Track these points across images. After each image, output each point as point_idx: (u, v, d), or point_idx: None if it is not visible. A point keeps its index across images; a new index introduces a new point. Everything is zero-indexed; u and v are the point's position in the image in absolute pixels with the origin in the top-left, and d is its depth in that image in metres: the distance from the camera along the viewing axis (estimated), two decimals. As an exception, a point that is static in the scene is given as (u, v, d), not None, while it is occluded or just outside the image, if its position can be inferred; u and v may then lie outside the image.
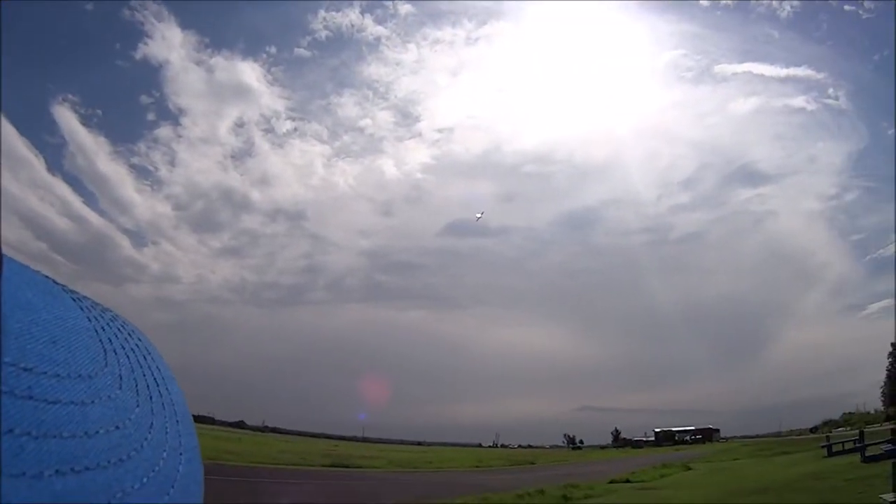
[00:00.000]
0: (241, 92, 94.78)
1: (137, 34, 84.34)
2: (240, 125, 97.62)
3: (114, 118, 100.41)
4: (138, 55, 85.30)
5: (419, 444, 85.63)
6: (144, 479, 0.39)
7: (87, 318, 0.49)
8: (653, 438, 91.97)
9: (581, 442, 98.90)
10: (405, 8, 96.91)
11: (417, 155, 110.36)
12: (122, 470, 0.38)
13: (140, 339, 0.55)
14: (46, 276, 0.51)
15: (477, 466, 43.72)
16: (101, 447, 0.37)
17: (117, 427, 0.40)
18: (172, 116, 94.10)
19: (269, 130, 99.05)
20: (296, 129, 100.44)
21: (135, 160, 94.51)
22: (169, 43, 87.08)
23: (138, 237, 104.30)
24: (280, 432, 78.15)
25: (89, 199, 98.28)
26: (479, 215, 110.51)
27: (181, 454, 0.46)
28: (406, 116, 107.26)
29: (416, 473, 34.92)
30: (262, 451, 40.57)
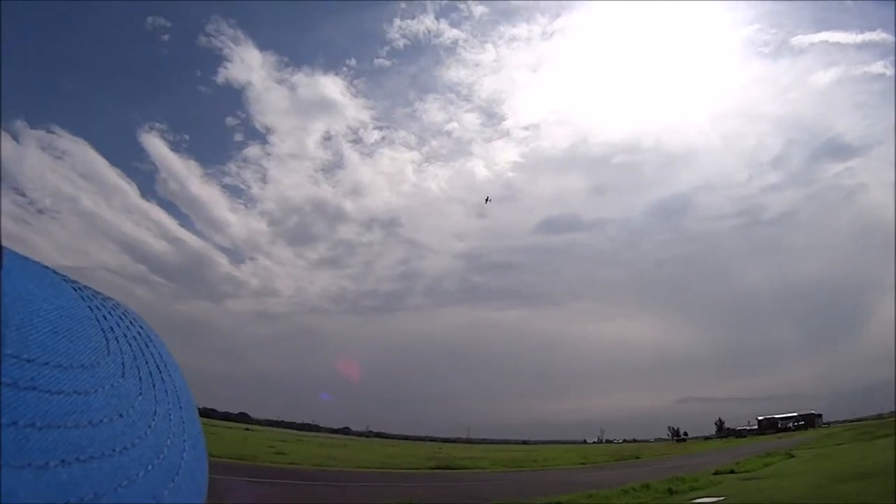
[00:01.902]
0: (325, 106, 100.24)
1: (217, 59, 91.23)
2: (327, 138, 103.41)
3: (202, 142, 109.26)
4: (220, 79, 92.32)
5: (524, 443, 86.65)
6: (149, 467, 0.40)
7: (89, 307, 0.51)
8: (756, 427, 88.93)
9: (685, 434, 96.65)
10: (479, 9, 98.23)
11: (506, 154, 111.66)
12: (126, 458, 0.39)
13: (142, 327, 0.57)
14: (46, 267, 0.53)
15: (582, 463, 44.23)
16: (105, 436, 0.38)
17: (121, 415, 0.41)
18: (260, 135, 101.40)
19: (357, 141, 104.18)
20: (384, 138, 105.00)
21: (226, 180, 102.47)
22: (248, 65, 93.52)
23: (235, 254, 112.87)
24: (385, 437, 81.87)
25: (184, 221, 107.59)
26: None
27: (185, 441, 0.47)
28: (491, 117, 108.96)
29: (520, 473, 35.87)
30: (367, 455, 43.19)
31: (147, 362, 0.51)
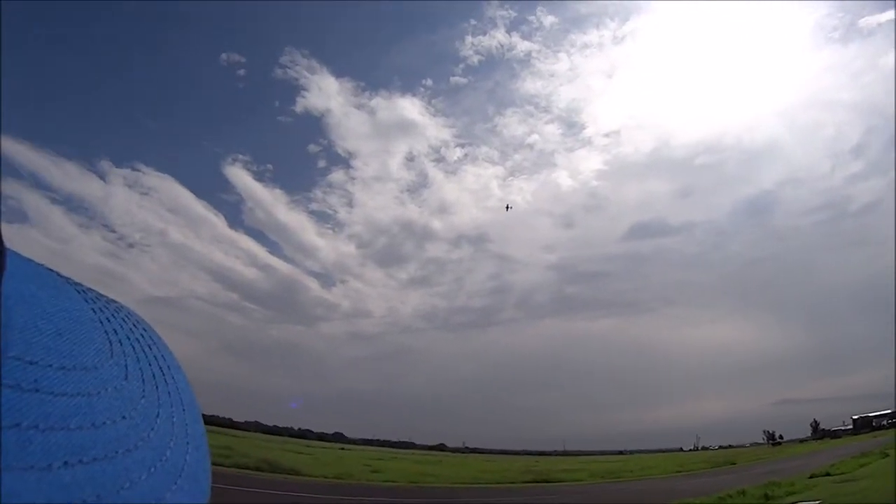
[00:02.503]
0: (405, 127, 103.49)
1: (294, 89, 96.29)
2: (410, 159, 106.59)
3: (286, 170, 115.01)
4: (298, 108, 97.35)
5: (620, 453, 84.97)
6: (152, 469, 0.41)
7: (92, 309, 0.51)
8: (850, 427, 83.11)
9: (780, 437, 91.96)
10: (549, 19, 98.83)
11: (589, 163, 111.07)
12: (129, 460, 0.39)
13: (145, 330, 0.57)
14: (50, 269, 0.53)
15: (678, 472, 43.11)
16: (109, 438, 0.39)
17: (124, 417, 0.42)
18: (343, 160, 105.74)
19: (439, 160, 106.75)
20: (466, 155, 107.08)
21: (313, 206, 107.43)
22: (326, 92, 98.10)
23: (326, 278, 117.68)
24: (481, 452, 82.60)
25: (273, 248, 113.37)
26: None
27: (188, 443, 0.48)
28: (571, 126, 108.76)
29: (617, 483, 35.68)
30: (463, 471, 44.26)
31: (150, 365, 0.51)
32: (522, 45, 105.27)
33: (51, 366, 0.39)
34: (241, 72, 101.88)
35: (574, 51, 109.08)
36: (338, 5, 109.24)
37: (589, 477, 40.34)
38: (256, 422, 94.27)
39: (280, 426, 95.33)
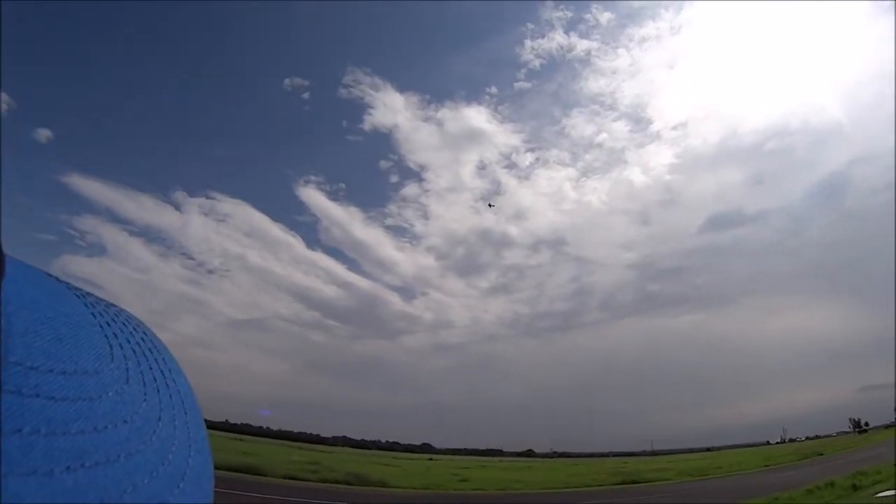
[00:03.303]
0: (474, 136, 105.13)
1: (360, 108, 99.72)
2: (482, 167, 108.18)
3: (359, 188, 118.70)
4: (366, 126, 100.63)
5: (708, 450, 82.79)
6: (155, 472, 0.41)
7: (92, 313, 0.51)
8: None
9: (866, 424, 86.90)
10: (605, 16, 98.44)
11: (660, 157, 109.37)
12: (132, 464, 0.39)
13: (146, 333, 0.57)
14: (49, 274, 0.54)
15: (766, 466, 41.81)
16: (110, 442, 0.39)
17: (125, 421, 0.42)
18: (415, 174, 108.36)
19: (511, 166, 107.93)
20: (537, 159, 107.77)
21: (388, 221, 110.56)
22: (392, 108, 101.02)
23: (406, 291, 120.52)
24: (569, 456, 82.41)
25: (352, 265, 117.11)
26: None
27: (190, 446, 0.48)
28: (638, 122, 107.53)
29: (705, 481, 35.15)
30: (552, 476, 44.78)
31: (151, 368, 0.51)
32: (582, 45, 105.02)
33: (52, 371, 0.39)
34: (306, 95, 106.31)
35: (633, 45, 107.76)
36: (393, 21, 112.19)
37: (677, 476, 39.92)
38: (344, 436, 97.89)
39: (368, 440, 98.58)
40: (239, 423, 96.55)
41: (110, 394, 0.43)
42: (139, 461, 0.40)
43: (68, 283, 0.55)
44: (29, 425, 0.34)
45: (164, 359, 0.55)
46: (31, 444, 0.34)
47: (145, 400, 0.46)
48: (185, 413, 0.51)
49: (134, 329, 0.56)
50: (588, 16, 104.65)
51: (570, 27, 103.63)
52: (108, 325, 0.52)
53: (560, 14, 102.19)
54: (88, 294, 0.56)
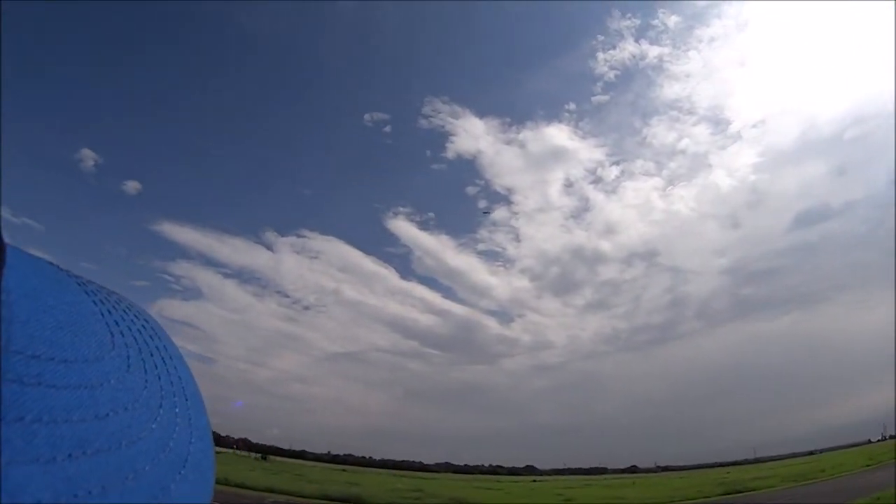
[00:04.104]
0: (558, 155, 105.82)
1: (441, 136, 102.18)
2: (568, 185, 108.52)
3: (448, 215, 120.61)
4: (450, 154, 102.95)
5: (811, 453, 79.29)
6: (156, 459, 0.41)
7: (93, 301, 0.52)
8: None
9: None
10: (672, 20, 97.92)
11: (743, 158, 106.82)
12: (133, 451, 0.39)
13: (147, 321, 0.58)
14: (50, 263, 0.54)
15: (867, 465, 40.46)
16: (112, 429, 0.39)
17: (127, 409, 0.42)
18: (502, 197, 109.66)
19: (597, 181, 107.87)
20: (622, 172, 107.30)
21: (480, 247, 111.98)
22: (473, 134, 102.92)
23: (503, 315, 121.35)
24: (672, 469, 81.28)
25: (447, 292, 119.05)
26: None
27: (192, 433, 0.48)
28: (718, 123, 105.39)
29: (808, 486, 34.70)
30: (656, 491, 45.07)
31: (152, 355, 0.52)
32: (653, 51, 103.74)
33: (53, 359, 0.39)
34: (387, 129, 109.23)
35: (703, 46, 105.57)
36: (465, 48, 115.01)
37: (780, 482, 39.34)
38: (447, 463, 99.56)
39: (470, 465, 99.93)
40: (341, 454, 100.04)
41: (111, 381, 0.43)
42: (141, 448, 0.40)
43: (69, 272, 0.56)
44: (31, 413, 0.35)
45: (164, 346, 0.56)
46: (33, 432, 0.34)
47: (146, 387, 0.47)
48: (187, 400, 0.51)
49: (135, 317, 0.56)
50: (655, 21, 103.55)
51: (639, 35, 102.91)
52: (109, 312, 0.52)
53: (628, 22, 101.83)
54: (90, 282, 0.57)
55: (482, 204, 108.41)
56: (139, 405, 0.44)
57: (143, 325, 0.56)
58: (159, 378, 0.50)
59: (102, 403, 0.40)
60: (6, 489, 0.31)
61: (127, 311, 0.56)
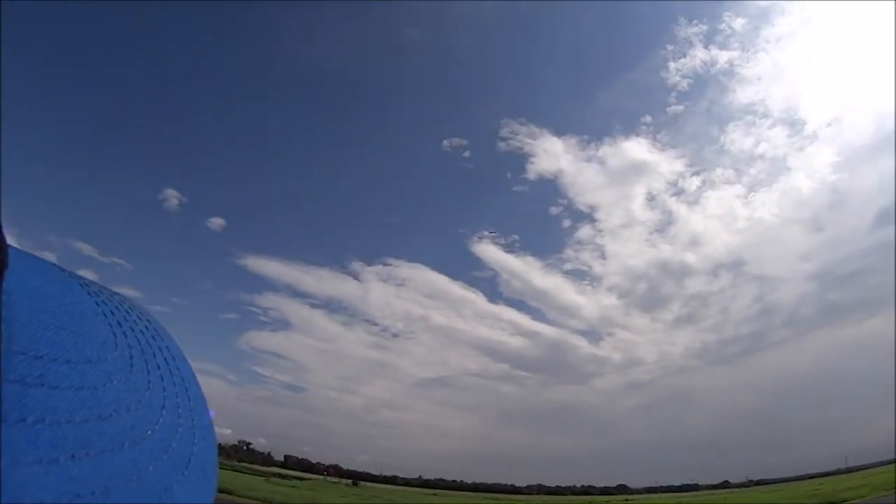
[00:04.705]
0: (638, 169, 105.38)
1: (521, 158, 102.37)
2: (651, 199, 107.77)
3: (533, 237, 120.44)
4: (531, 175, 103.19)
5: None
6: (159, 460, 0.41)
7: (96, 302, 0.52)
8: None
9: None
10: (738, 22, 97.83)
11: (822, 158, 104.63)
12: (136, 451, 0.39)
13: (149, 321, 0.58)
14: (53, 264, 0.54)
15: None
16: (115, 430, 0.39)
17: (129, 409, 0.42)
18: (586, 216, 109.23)
19: (679, 193, 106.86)
20: (703, 182, 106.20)
21: (567, 266, 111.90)
22: (553, 153, 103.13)
23: (592, 334, 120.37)
24: (765, 483, 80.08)
25: (536, 314, 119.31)
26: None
27: (195, 433, 0.48)
28: (793, 125, 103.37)
29: None
30: (746, 505, 46.08)
31: (155, 356, 0.52)
32: (723, 56, 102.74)
33: (55, 359, 0.39)
34: (466, 153, 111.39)
35: (770, 47, 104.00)
36: (538, 68, 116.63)
37: (872, 492, 39.70)
38: (539, 485, 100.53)
39: (563, 486, 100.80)
40: (433, 478, 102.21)
41: (114, 382, 0.43)
42: (144, 448, 0.40)
43: (71, 272, 0.56)
44: (33, 414, 0.35)
45: (167, 347, 0.56)
46: (36, 432, 0.34)
47: (149, 388, 0.47)
48: (190, 401, 0.51)
49: (137, 317, 0.56)
50: (722, 25, 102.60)
51: (707, 40, 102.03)
52: (112, 313, 0.52)
53: (695, 29, 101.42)
54: (92, 283, 0.57)
55: (566, 224, 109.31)
56: (142, 406, 0.44)
57: (145, 326, 0.56)
58: (162, 379, 0.50)
59: (105, 404, 0.40)
60: (8, 490, 0.31)
61: (129, 311, 0.56)
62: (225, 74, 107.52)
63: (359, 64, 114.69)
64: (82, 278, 0.56)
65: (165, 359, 0.53)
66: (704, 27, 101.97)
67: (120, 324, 0.52)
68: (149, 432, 0.42)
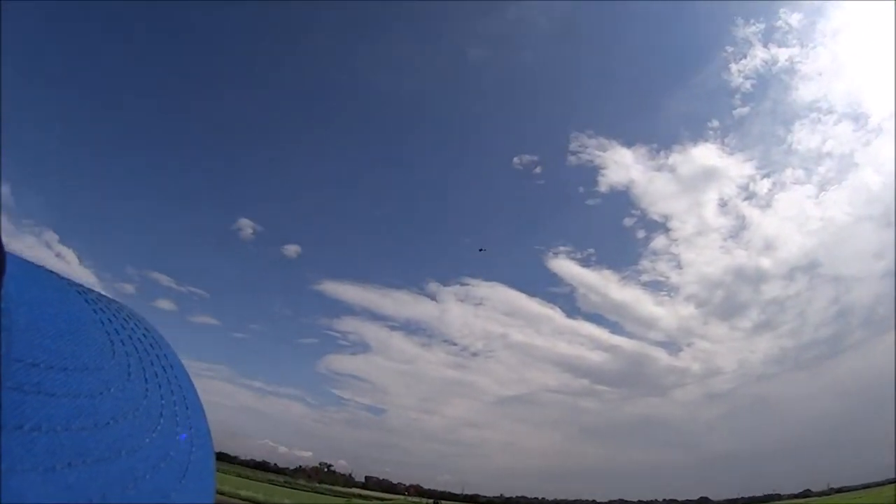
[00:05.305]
0: (708, 175, 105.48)
1: (592, 171, 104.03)
2: (723, 204, 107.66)
3: (608, 250, 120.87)
4: (603, 188, 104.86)
5: None
6: (156, 468, 0.41)
7: (93, 310, 0.52)
8: None
9: None
10: (794, 18, 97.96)
11: (888, 151, 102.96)
12: (134, 459, 0.39)
13: (147, 329, 0.57)
14: (51, 272, 0.54)
15: None
16: (112, 438, 0.39)
17: (127, 417, 0.42)
18: (660, 226, 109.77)
19: (750, 196, 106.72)
20: (774, 184, 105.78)
21: (644, 278, 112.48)
22: (623, 164, 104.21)
23: (671, 345, 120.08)
24: (847, 490, 79.11)
25: (614, 328, 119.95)
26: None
27: (192, 442, 0.48)
28: (857, 119, 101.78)
29: None
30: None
31: (153, 364, 0.51)
32: (783, 54, 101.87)
33: (53, 367, 0.40)
34: (537, 169, 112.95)
35: (827, 40, 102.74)
36: (601, 80, 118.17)
37: None
38: (620, 499, 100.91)
39: (644, 500, 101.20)
40: (514, 496, 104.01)
41: (112, 390, 0.43)
42: (142, 456, 0.40)
43: (69, 280, 0.56)
44: (30, 422, 0.35)
45: (165, 355, 0.56)
46: (33, 440, 0.34)
47: (147, 396, 0.47)
48: (187, 408, 0.51)
49: (135, 325, 0.56)
50: (779, 22, 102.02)
51: (766, 39, 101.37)
52: (110, 321, 0.52)
53: (753, 28, 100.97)
54: (90, 290, 0.57)
55: (640, 235, 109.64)
56: (139, 414, 0.44)
57: (143, 334, 0.56)
58: (160, 387, 0.50)
59: (103, 412, 0.40)
60: (5, 498, 0.31)
61: (127, 319, 0.56)
62: (293, 103, 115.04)
63: (427, 88, 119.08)
64: (80, 286, 0.56)
65: (163, 367, 0.53)
66: (762, 25, 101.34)
67: (118, 332, 0.52)
68: (146, 440, 0.42)
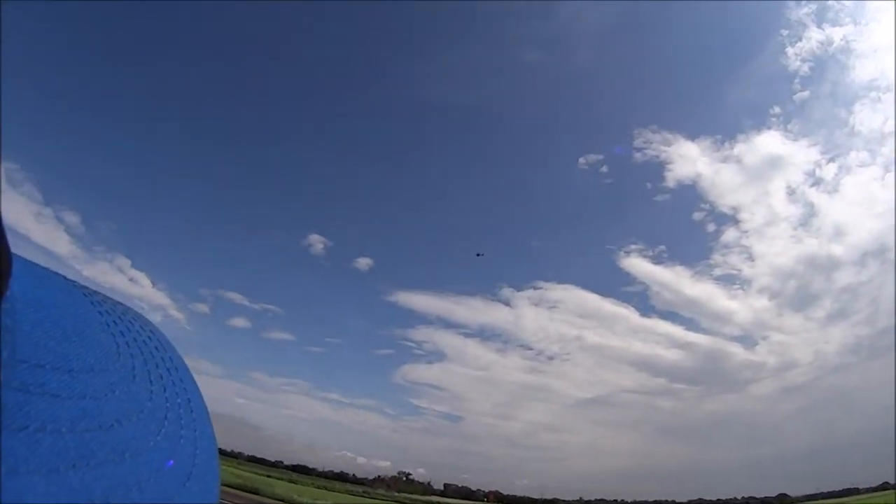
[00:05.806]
0: (774, 163, 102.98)
1: (658, 166, 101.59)
2: (791, 192, 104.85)
3: (679, 245, 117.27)
4: (670, 183, 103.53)
5: None
6: (160, 471, 0.41)
7: (99, 312, 0.52)
8: None
9: None
10: None
11: None
12: (138, 462, 0.40)
13: (153, 332, 0.58)
14: (57, 273, 0.54)
15: None
16: (117, 440, 0.39)
17: (131, 419, 0.42)
18: (729, 218, 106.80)
19: (817, 182, 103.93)
20: (840, 168, 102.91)
21: (716, 272, 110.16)
22: (689, 158, 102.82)
23: (747, 339, 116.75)
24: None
25: (689, 324, 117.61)
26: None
27: (196, 444, 0.48)
28: None
29: None
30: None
31: (157, 366, 0.52)
32: (837, 34, 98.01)
33: (58, 368, 0.40)
34: (603, 168, 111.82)
35: (881, 15, 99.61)
36: (660, 73, 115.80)
37: None
38: (699, 499, 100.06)
39: (723, 498, 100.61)
40: (593, 499, 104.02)
41: (116, 392, 0.43)
42: (146, 459, 0.41)
43: (75, 282, 0.56)
44: (35, 423, 0.35)
45: (170, 357, 0.56)
46: (37, 441, 0.34)
47: (151, 398, 0.47)
48: (192, 411, 0.51)
49: (140, 327, 0.56)
50: (831, 1, 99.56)
51: (819, 19, 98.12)
52: (115, 323, 0.53)
53: (806, 9, 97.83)
54: (95, 292, 0.57)
55: (711, 228, 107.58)
56: (144, 416, 0.44)
57: (148, 336, 0.56)
58: (164, 389, 0.50)
59: (107, 414, 0.41)
60: (8, 498, 0.31)
61: (132, 321, 0.56)
62: (357, 116, 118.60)
63: (488, 96, 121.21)
64: (86, 288, 0.57)
65: (168, 370, 0.53)
66: (814, 5, 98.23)
67: (123, 334, 0.52)
68: (151, 443, 0.42)
